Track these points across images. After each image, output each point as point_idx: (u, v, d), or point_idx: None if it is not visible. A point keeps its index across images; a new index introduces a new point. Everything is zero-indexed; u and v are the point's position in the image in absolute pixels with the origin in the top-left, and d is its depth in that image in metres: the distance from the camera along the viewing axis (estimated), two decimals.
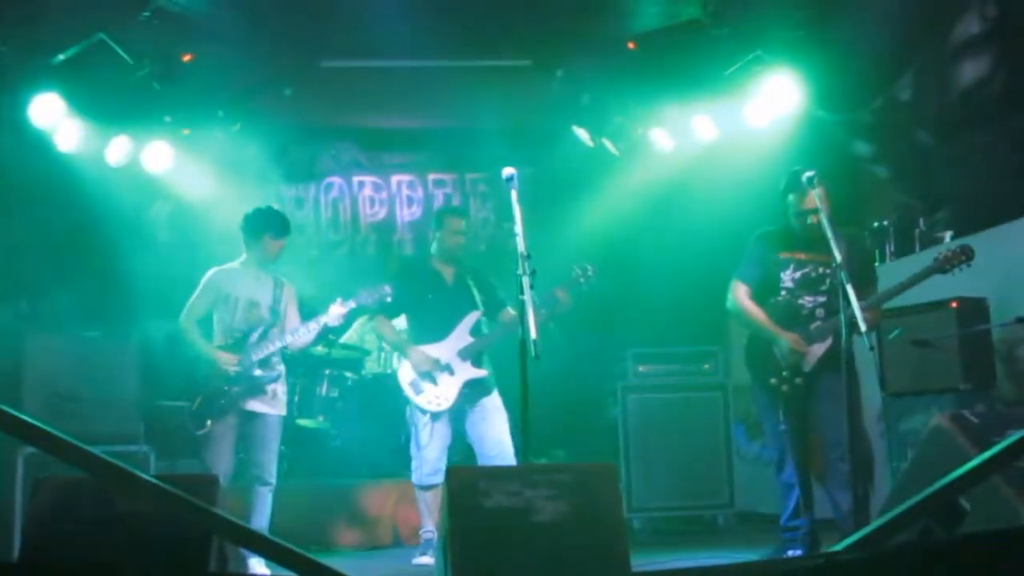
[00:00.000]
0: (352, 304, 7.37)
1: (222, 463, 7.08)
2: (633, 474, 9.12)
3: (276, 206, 7.96)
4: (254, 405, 7.20)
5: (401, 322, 8.05)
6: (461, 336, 7.48)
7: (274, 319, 7.38)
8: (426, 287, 7.63)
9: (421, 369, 7.38)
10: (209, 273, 7.41)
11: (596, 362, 10.05)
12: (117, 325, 8.70)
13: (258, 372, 7.22)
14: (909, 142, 9.09)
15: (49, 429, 2.97)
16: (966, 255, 6.23)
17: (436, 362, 7.39)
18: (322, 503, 8.96)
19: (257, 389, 7.22)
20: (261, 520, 7.17)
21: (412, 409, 7.45)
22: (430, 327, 7.56)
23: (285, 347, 7.32)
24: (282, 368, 7.44)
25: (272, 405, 7.29)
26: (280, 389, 7.39)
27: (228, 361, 7.13)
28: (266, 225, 7.40)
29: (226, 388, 7.11)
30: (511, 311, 7.52)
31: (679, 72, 9.25)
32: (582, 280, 7.41)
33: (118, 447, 7.90)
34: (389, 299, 7.49)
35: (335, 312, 7.29)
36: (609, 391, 9.75)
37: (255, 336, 7.26)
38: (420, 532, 7.57)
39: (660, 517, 9.32)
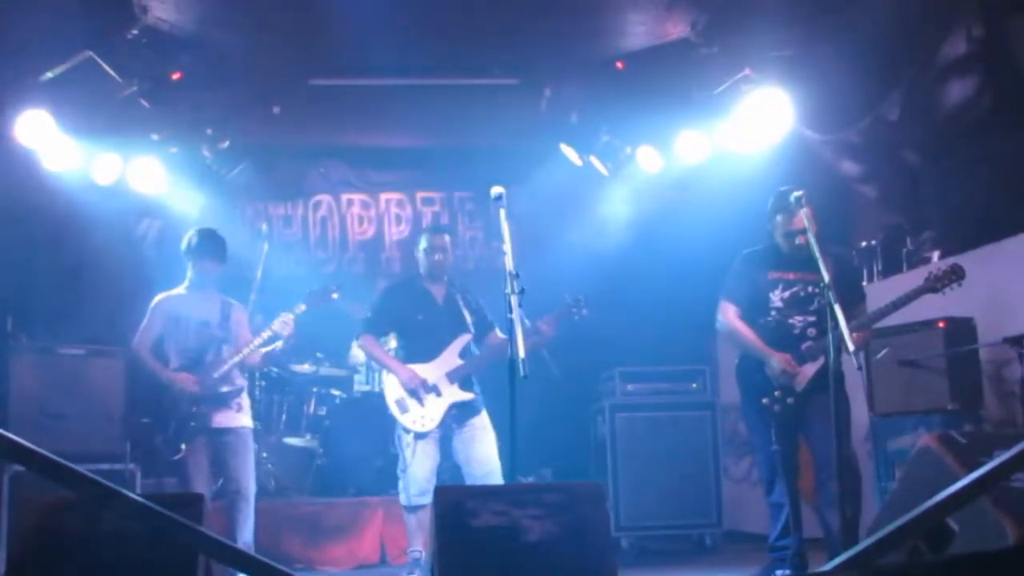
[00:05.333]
0: (301, 308, 7.35)
1: (201, 483, 7.09)
2: (621, 493, 9.10)
3: (265, 227, 7.93)
4: (222, 420, 7.22)
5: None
6: (450, 358, 7.43)
7: (225, 335, 7.40)
8: (416, 307, 7.57)
9: (408, 388, 7.34)
10: (156, 300, 7.42)
11: (584, 381, 10.03)
12: (103, 343, 8.68)
13: (224, 388, 7.25)
14: (896, 162, 9.12)
15: (34, 448, 2.95)
16: (957, 274, 6.25)
17: (424, 382, 7.35)
18: (309, 521, 8.92)
19: (223, 405, 7.23)
20: (246, 535, 7.15)
21: (398, 428, 7.40)
22: (419, 347, 7.51)
23: (242, 360, 7.33)
24: (243, 382, 7.46)
25: (239, 418, 7.31)
26: (245, 403, 7.43)
27: (187, 380, 7.15)
28: (204, 252, 7.36)
29: (194, 409, 7.12)
30: (499, 334, 7.52)
31: (667, 91, 9.26)
32: (574, 310, 7.40)
33: (104, 465, 7.90)
34: (336, 296, 7.48)
35: (281, 322, 7.27)
36: (597, 410, 9.74)
37: (210, 355, 7.30)
38: (407, 551, 7.53)
39: (648, 536, 9.30)
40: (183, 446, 7.06)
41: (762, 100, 8.70)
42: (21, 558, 4.11)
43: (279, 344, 7.37)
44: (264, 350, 7.37)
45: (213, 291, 7.51)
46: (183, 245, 7.43)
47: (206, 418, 7.15)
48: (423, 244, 7.65)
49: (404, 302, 7.64)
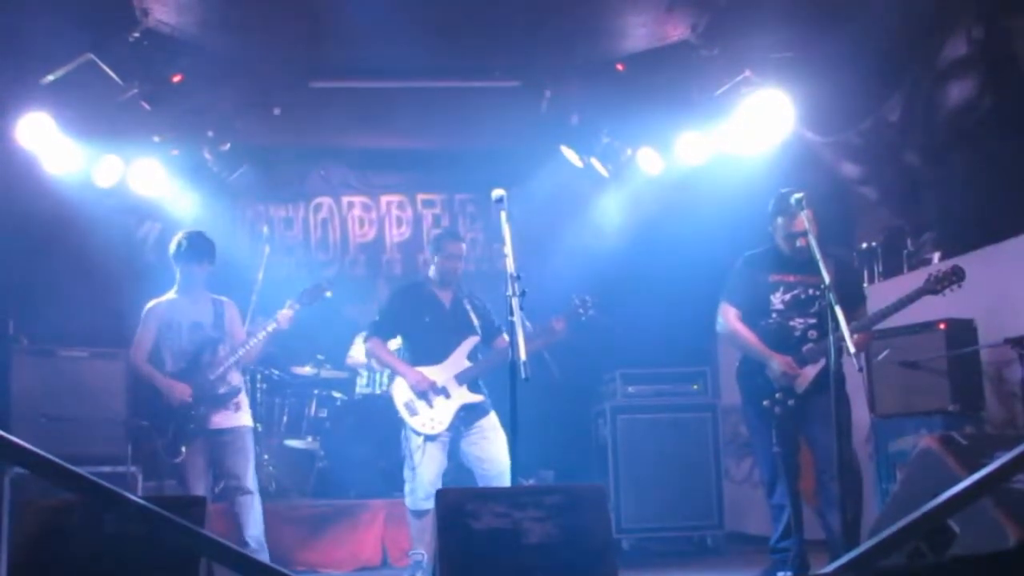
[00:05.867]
0: (296, 306, 7.36)
1: (198, 485, 7.12)
2: (622, 495, 9.10)
3: (266, 229, 7.92)
4: (220, 421, 7.22)
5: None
6: (459, 360, 7.41)
7: (219, 335, 7.40)
8: (424, 310, 7.56)
9: (418, 390, 7.32)
10: (148, 307, 7.41)
11: (585, 382, 10.03)
12: (105, 345, 8.68)
13: (221, 389, 7.25)
14: (897, 163, 9.12)
15: (36, 450, 2.95)
16: (957, 276, 6.24)
17: (433, 384, 7.34)
18: (310, 523, 8.93)
19: (221, 405, 7.24)
20: (252, 529, 7.16)
21: (406, 431, 7.37)
22: (427, 350, 7.49)
23: (239, 360, 7.34)
24: (241, 381, 7.48)
25: (237, 418, 7.32)
26: (244, 402, 7.43)
27: (182, 391, 7.14)
28: (190, 255, 7.35)
29: (193, 412, 7.13)
30: (506, 338, 7.51)
31: (667, 93, 9.27)
32: (581, 311, 7.40)
33: (105, 468, 7.90)
34: (329, 294, 7.50)
35: (284, 316, 7.29)
36: (598, 412, 9.75)
37: (206, 356, 7.30)
38: (409, 553, 7.52)
39: (649, 538, 9.30)
40: (183, 448, 7.07)
41: (762, 102, 8.70)
42: (22, 560, 4.11)
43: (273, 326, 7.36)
44: (262, 342, 7.36)
45: (203, 291, 7.49)
46: (171, 249, 7.42)
47: (204, 420, 7.16)
48: (439, 250, 7.62)
49: (412, 305, 7.63)
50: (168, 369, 7.26)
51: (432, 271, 7.67)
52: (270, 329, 7.28)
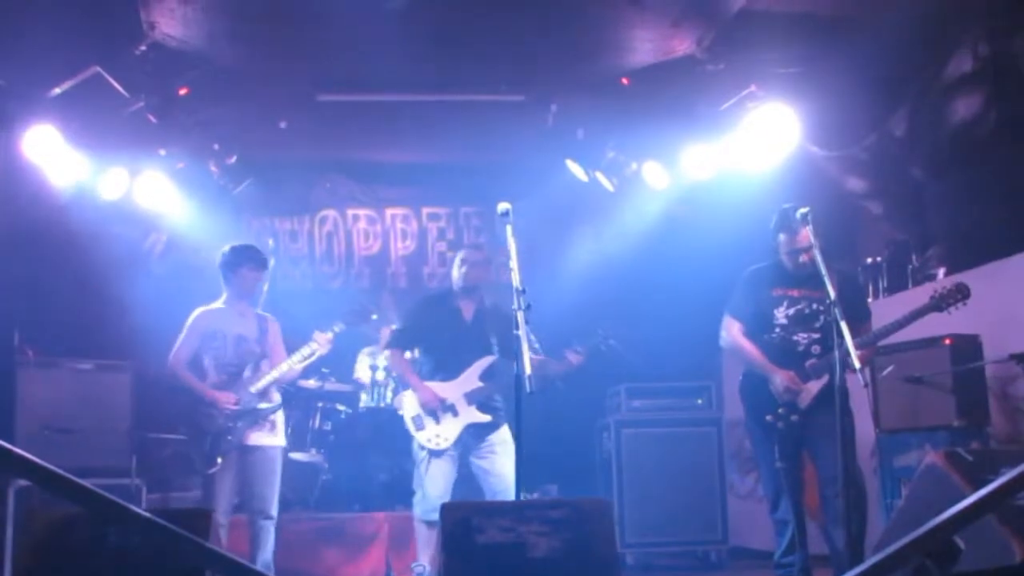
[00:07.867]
0: (340, 327, 7.37)
1: (224, 499, 7.09)
2: (626, 509, 9.09)
3: (271, 242, 7.94)
4: (254, 438, 7.20)
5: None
6: (471, 379, 7.45)
7: (264, 350, 7.39)
8: (445, 324, 7.61)
9: (427, 408, 7.35)
10: (194, 315, 7.39)
11: (589, 396, 10.02)
12: (110, 358, 8.68)
13: (262, 405, 7.24)
14: (902, 178, 9.11)
15: (40, 462, 2.95)
16: (962, 294, 6.23)
17: (442, 402, 7.36)
18: (314, 537, 8.92)
19: (258, 422, 7.22)
20: (266, 554, 7.15)
21: (415, 443, 7.43)
22: (442, 365, 7.55)
23: (280, 379, 7.33)
24: (279, 398, 7.45)
25: (272, 437, 7.30)
26: (279, 420, 7.42)
27: (227, 401, 7.11)
28: (243, 259, 7.38)
29: (231, 425, 7.09)
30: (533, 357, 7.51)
31: (673, 108, 9.28)
32: (602, 344, 7.48)
33: (110, 480, 7.89)
34: (375, 317, 7.52)
35: (323, 339, 7.28)
36: (602, 426, 9.74)
37: (248, 370, 7.27)
38: (412, 565, 7.53)
39: (653, 552, 9.29)
40: (219, 460, 7.05)
41: (768, 116, 8.70)
42: (27, 572, 4.11)
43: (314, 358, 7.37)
44: (303, 365, 7.36)
45: (249, 305, 7.51)
46: (218, 259, 7.44)
47: (241, 434, 7.13)
48: (458, 257, 7.72)
49: (434, 318, 7.69)
50: (210, 380, 7.25)
51: (454, 281, 7.70)
52: (305, 353, 7.27)
